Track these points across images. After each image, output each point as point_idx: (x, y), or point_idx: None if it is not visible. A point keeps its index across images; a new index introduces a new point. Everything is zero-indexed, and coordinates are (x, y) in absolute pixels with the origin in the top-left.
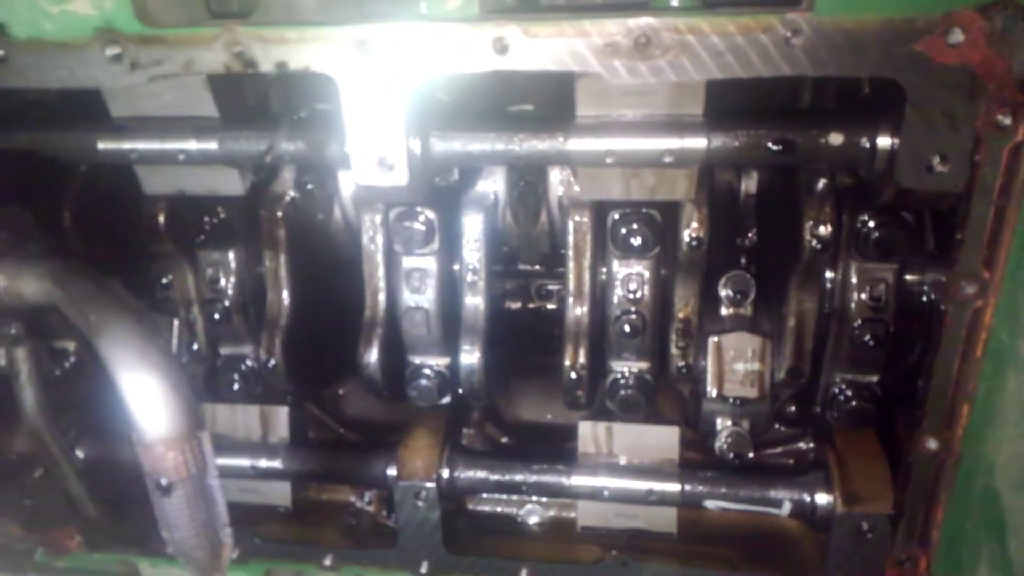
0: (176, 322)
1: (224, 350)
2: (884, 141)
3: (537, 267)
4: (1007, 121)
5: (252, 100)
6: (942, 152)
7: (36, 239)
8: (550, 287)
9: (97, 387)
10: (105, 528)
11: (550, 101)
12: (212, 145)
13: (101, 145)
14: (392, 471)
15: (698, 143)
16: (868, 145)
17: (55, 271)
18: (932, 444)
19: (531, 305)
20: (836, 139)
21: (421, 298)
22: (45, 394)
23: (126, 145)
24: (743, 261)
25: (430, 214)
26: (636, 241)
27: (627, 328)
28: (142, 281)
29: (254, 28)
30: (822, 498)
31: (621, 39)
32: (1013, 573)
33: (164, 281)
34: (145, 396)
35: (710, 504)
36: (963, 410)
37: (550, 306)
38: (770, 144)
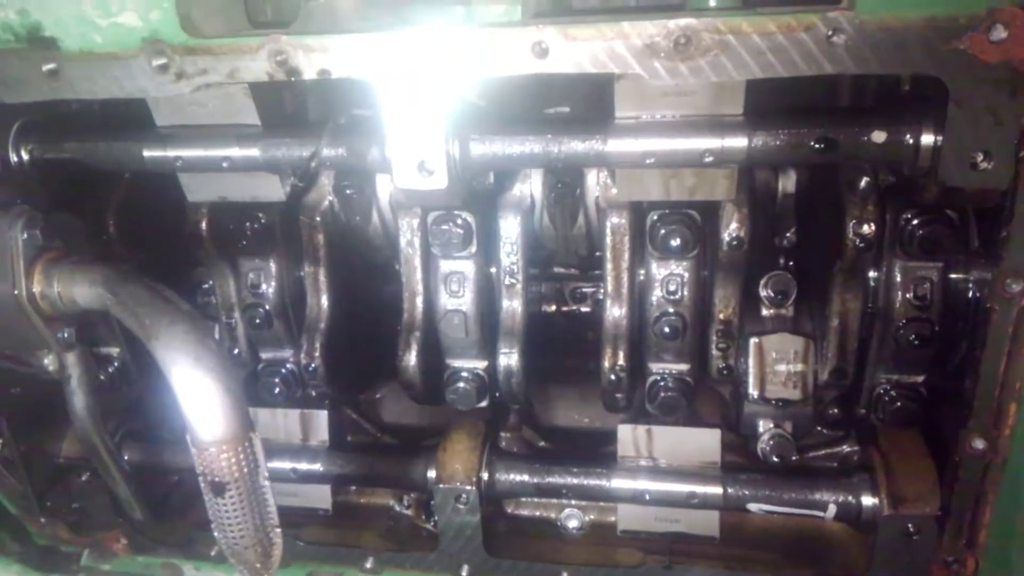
0: (217, 327)
1: (265, 354)
2: (927, 139)
3: (572, 270)
4: None
5: (291, 108)
6: (986, 149)
7: (86, 247)
8: (585, 290)
9: (140, 393)
10: (150, 531)
11: (586, 103)
12: (255, 152)
13: (147, 153)
14: (432, 474)
15: (739, 143)
16: (911, 143)
17: (108, 277)
18: (979, 444)
19: (566, 308)
20: (879, 137)
21: (459, 301)
22: (95, 399)
23: (171, 153)
24: (782, 261)
25: (468, 217)
26: (675, 242)
27: (667, 329)
28: (184, 287)
29: (297, 37)
30: (867, 500)
31: (661, 40)
32: None
33: (205, 287)
34: (200, 398)
35: (753, 507)
36: (1010, 409)
37: (585, 309)
38: (812, 143)
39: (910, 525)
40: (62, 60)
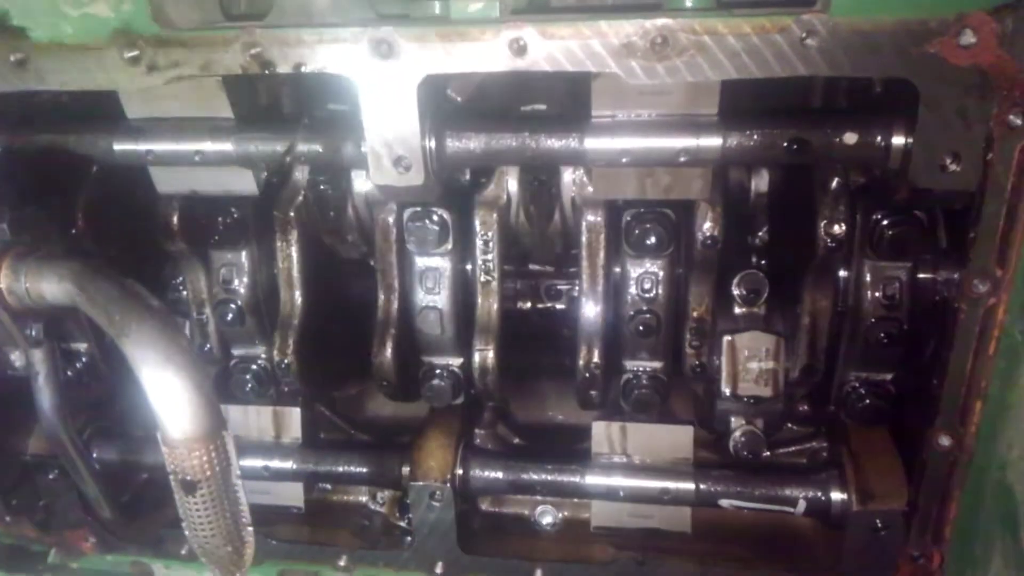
0: (188, 323)
1: (237, 351)
2: (898, 141)
3: (547, 267)
4: (1019, 121)
5: (265, 101)
6: (955, 151)
7: (54, 241)
8: (560, 287)
9: (109, 389)
10: (119, 530)
11: (563, 102)
12: (227, 146)
13: (117, 146)
14: (406, 471)
15: (713, 142)
16: (882, 144)
17: (76, 272)
18: (945, 441)
19: (541, 305)
20: (850, 139)
21: (435, 298)
22: (62, 396)
23: (142, 146)
24: (755, 260)
25: (444, 214)
26: (651, 240)
27: (641, 327)
28: (154, 283)
29: (272, 30)
30: (836, 496)
31: (638, 40)
32: None
33: (176, 282)
34: (170, 396)
35: (725, 503)
36: (976, 407)
37: (560, 306)
38: (785, 143)
39: (878, 521)
40: (30, 51)
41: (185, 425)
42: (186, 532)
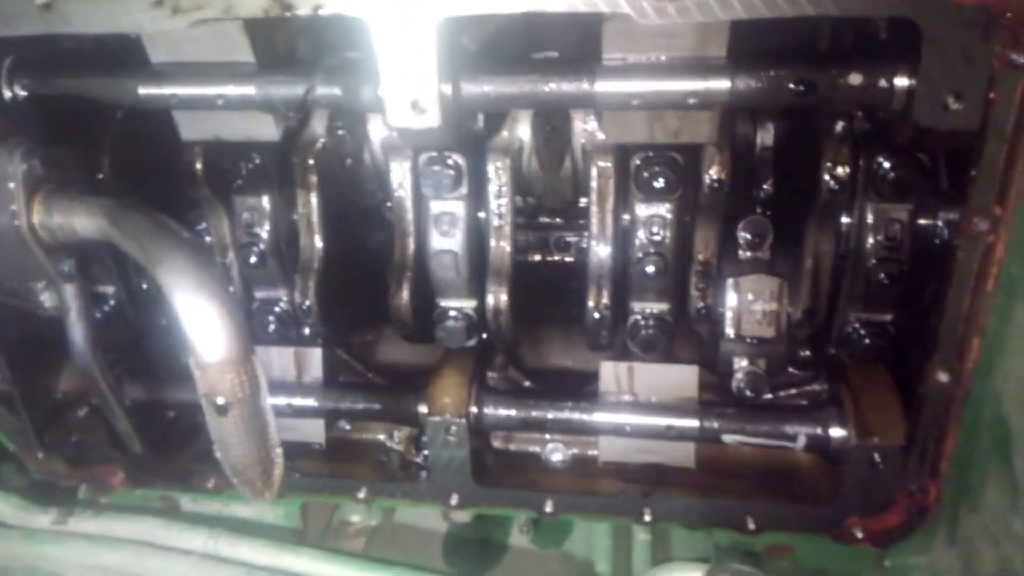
0: None
1: (259, 294)
2: (901, 81)
3: (557, 219)
4: (1021, 59)
5: (283, 48)
6: (958, 91)
7: (82, 182)
8: (569, 239)
9: (136, 332)
10: (148, 465)
11: (573, 49)
12: (250, 90)
13: (142, 90)
14: (423, 408)
15: (722, 84)
16: (886, 85)
17: (108, 207)
18: (943, 377)
19: (550, 258)
20: (855, 79)
21: (450, 241)
22: (94, 331)
23: (166, 90)
24: (759, 210)
25: (459, 159)
26: (659, 183)
27: (649, 269)
28: None
29: None
30: (836, 431)
31: None
32: (1019, 491)
33: (199, 227)
34: (203, 320)
35: (727, 439)
36: (973, 343)
37: (568, 259)
38: (792, 85)
39: (876, 455)
40: None
41: (217, 348)
42: (217, 454)
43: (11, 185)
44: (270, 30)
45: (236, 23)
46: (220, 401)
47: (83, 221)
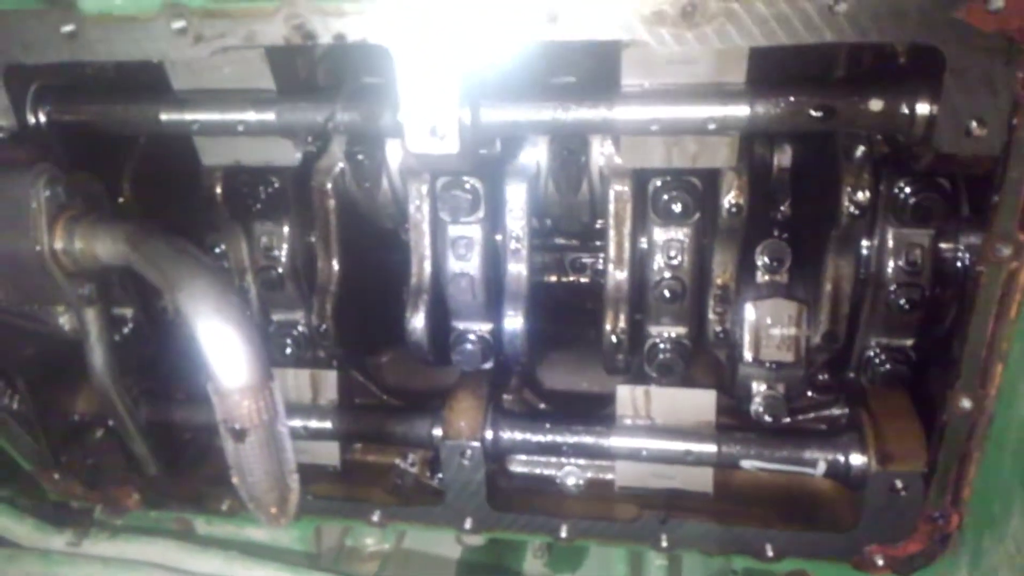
0: None
1: (277, 316)
2: (923, 107)
3: (573, 240)
4: None
5: (303, 75)
6: (980, 117)
7: (105, 205)
8: (585, 260)
9: (153, 354)
10: (163, 487)
11: (591, 74)
12: (270, 116)
13: (164, 116)
14: (438, 431)
15: (741, 110)
16: (907, 111)
17: (129, 233)
18: (966, 403)
19: (566, 279)
20: (876, 105)
21: (467, 265)
22: (113, 354)
23: (188, 116)
24: (777, 233)
25: (476, 183)
26: (677, 207)
27: (667, 293)
28: None
29: (314, 1)
30: (856, 458)
31: (668, 7)
32: None
33: (218, 251)
34: (223, 346)
35: (746, 464)
36: (997, 369)
37: (584, 280)
38: (811, 111)
39: (897, 482)
40: (81, 22)
41: (237, 374)
42: (234, 480)
43: (34, 211)
44: (290, 57)
45: (257, 51)
46: (238, 427)
47: (104, 247)
